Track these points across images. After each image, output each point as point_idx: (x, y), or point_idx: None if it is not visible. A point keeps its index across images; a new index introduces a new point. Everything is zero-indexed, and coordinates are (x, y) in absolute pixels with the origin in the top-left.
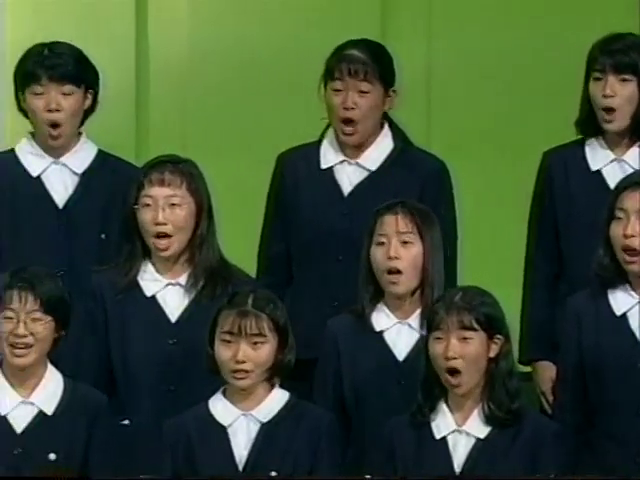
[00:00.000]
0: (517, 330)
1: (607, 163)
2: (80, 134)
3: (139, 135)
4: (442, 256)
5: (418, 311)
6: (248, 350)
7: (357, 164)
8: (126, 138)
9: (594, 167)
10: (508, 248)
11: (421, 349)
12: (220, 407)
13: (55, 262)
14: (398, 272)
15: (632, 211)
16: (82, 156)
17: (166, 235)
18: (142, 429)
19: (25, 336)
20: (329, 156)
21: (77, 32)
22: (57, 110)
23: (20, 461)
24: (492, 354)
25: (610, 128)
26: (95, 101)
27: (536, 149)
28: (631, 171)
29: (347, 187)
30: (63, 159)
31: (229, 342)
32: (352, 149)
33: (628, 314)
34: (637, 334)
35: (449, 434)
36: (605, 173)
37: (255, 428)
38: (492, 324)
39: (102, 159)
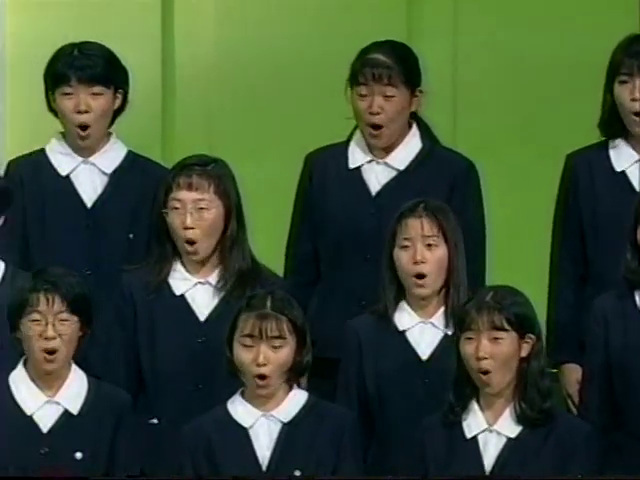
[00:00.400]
0: (543, 332)
1: (632, 164)
2: (110, 134)
3: (165, 136)
4: (464, 252)
5: (441, 310)
6: (268, 352)
7: (385, 164)
8: (152, 139)
9: (618, 168)
10: (534, 249)
11: (445, 348)
12: (240, 409)
13: (82, 261)
14: (424, 276)
15: None
16: (111, 156)
17: (195, 241)
18: (170, 428)
19: (54, 338)
20: (357, 156)
21: (103, 33)
22: (86, 111)
23: (47, 460)
24: (524, 353)
25: None
26: (125, 101)
27: (563, 148)
28: None
29: (375, 187)
30: (92, 159)
31: (249, 345)
32: (380, 149)
33: None
34: None
35: (480, 433)
36: (630, 174)
37: (276, 428)
38: (523, 324)
39: (131, 159)
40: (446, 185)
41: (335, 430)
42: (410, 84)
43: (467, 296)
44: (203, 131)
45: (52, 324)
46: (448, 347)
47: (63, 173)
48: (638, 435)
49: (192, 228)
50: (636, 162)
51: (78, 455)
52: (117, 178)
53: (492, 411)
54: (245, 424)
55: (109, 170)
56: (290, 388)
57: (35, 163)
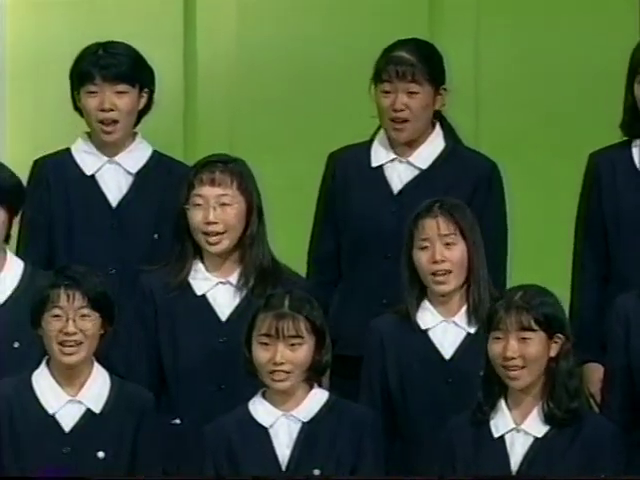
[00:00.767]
0: None
1: None
2: (135, 134)
3: (187, 135)
4: (483, 250)
5: (464, 309)
6: (286, 352)
7: (408, 162)
8: (174, 138)
9: None
10: (556, 248)
11: (468, 347)
12: (261, 409)
13: (107, 261)
14: (445, 272)
15: None
16: (137, 156)
17: (217, 233)
18: (192, 428)
19: (75, 333)
20: (380, 154)
21: (126, 32)
22: (110, 109)
23: (69, 460)
24: (552, 353)
25: None
26: (150, 101)
27: (585, 148)
28: None
29: (397, 185)
30: (117, 158)
31: (267, 344)
32: (403, 147)
33: None
34: None
35: (507, 433)
36: None
37: (296, 427)
38: (552, 324)
39: (157, 159)
40: (469, 185)
41: (355, 429)
42: (434, 82)
43: (489, 293)
44: (225, 130)
45: (73, 320)
46: (471, 346)
47: (88, 173)
48: None
49: (215, 223)
50: None
51: (100, 454)
52: (142, 178)
53: (520, 410)
54: (265, 424)
55: (134, 170)
56: (310, 387)
57: (60, 163)
